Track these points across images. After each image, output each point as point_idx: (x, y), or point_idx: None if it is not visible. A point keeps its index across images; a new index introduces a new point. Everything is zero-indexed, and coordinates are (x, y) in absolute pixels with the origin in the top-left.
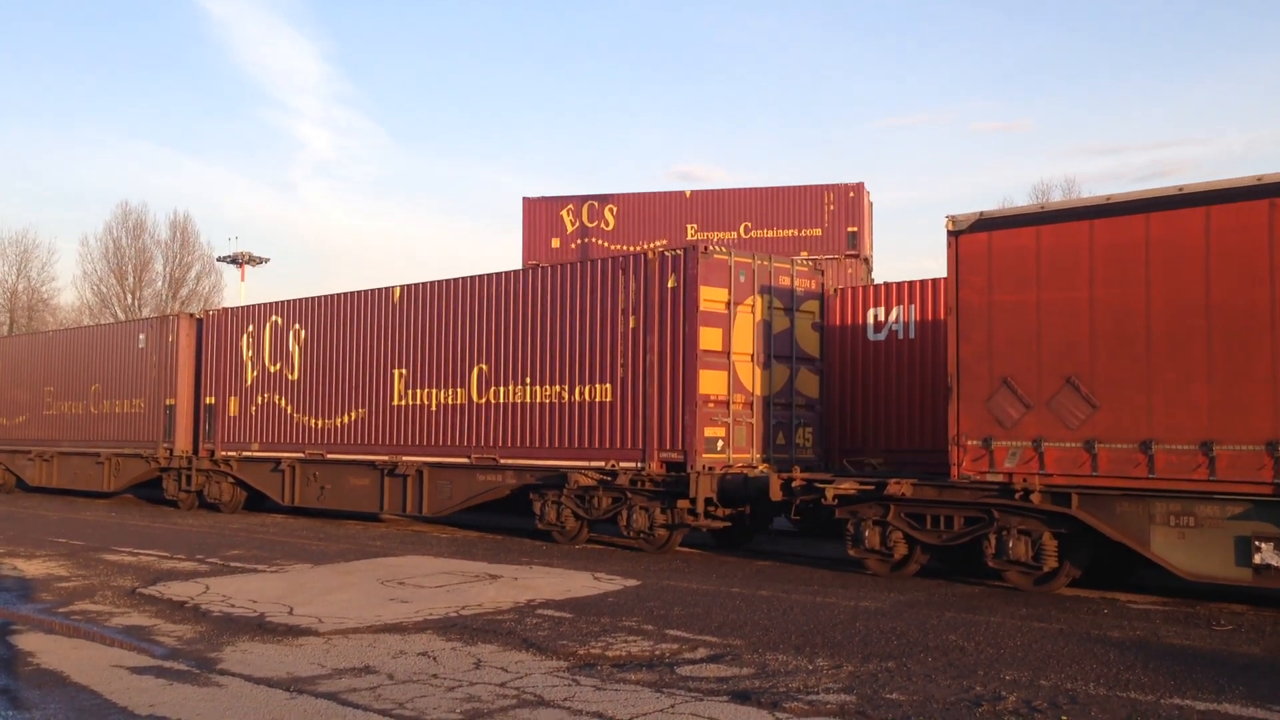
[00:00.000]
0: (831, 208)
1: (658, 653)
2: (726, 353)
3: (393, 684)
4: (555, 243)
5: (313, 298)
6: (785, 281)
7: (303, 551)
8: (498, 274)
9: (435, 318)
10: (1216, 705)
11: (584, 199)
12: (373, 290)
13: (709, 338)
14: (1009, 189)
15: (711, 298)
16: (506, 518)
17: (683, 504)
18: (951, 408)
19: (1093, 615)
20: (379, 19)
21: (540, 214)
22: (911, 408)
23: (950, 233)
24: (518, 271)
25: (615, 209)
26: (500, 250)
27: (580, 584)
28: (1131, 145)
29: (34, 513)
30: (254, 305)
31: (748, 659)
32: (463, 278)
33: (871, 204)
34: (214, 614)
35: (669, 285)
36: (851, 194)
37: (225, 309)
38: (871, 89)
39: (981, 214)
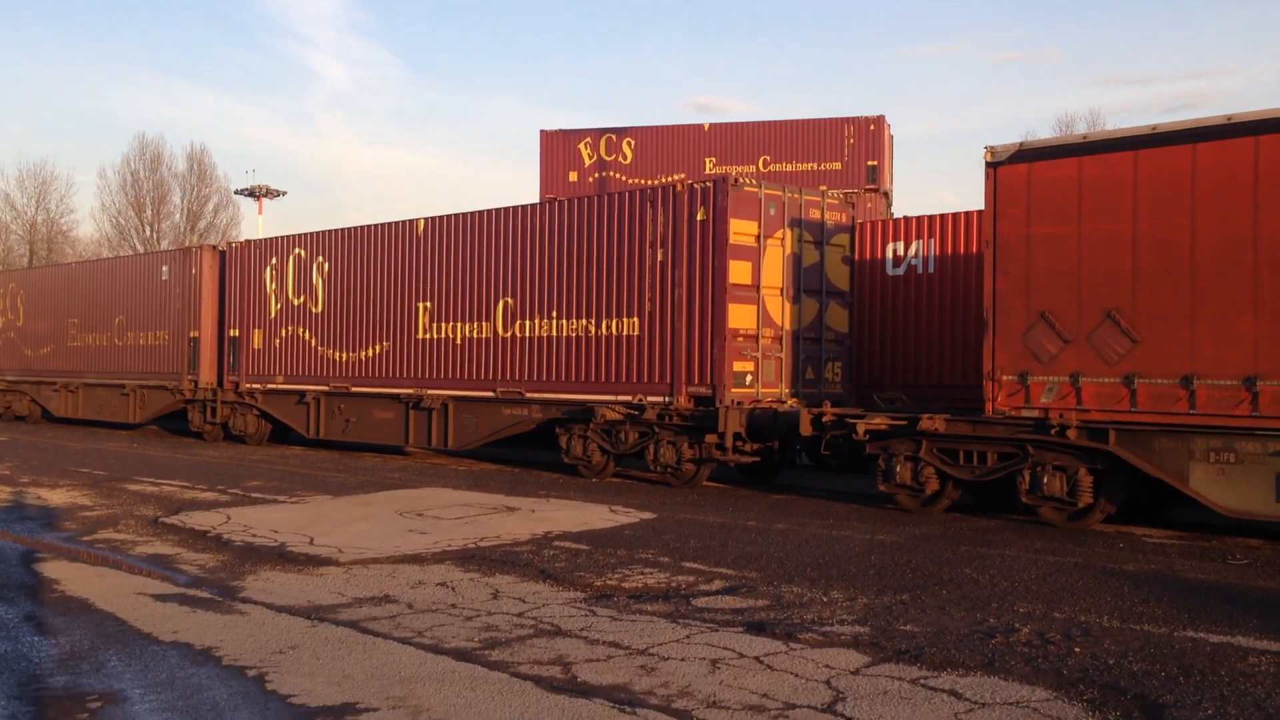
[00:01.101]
0: (851, 141)
1: (674, 584)
2: (756, 286)
3: (412, 613)
4: (573, 176)
5: (336, 230)
6: (815, 214)
7: (323, 483)
8: (524, 206)
9: (460, 251)
10: (1230, 638)
11: (601, 132)
12: (397, 223)
13: (738, 271)
14: (1032, 121)
15: (741, 231)
16: (532, 451)
17: (710, 439)
18: (987, 342)
19: (1108, 549)
20: None
21: (558, 147)
22: (930, 342)
23: (988, 164)
24: (545, 204)
25: (633, 142)
26: (518, 184)
27: (597, 517)
28: (1159, 76)
29: (58, 443)
30: (277, 238)
31: (763, 591)
32: (489, 210)
33: (892, 137)
34: (235, 543)
35: (698, 218)
36: (872, 127)
37: (248, 241)
38: (893, 18)
39: (1021, 144)
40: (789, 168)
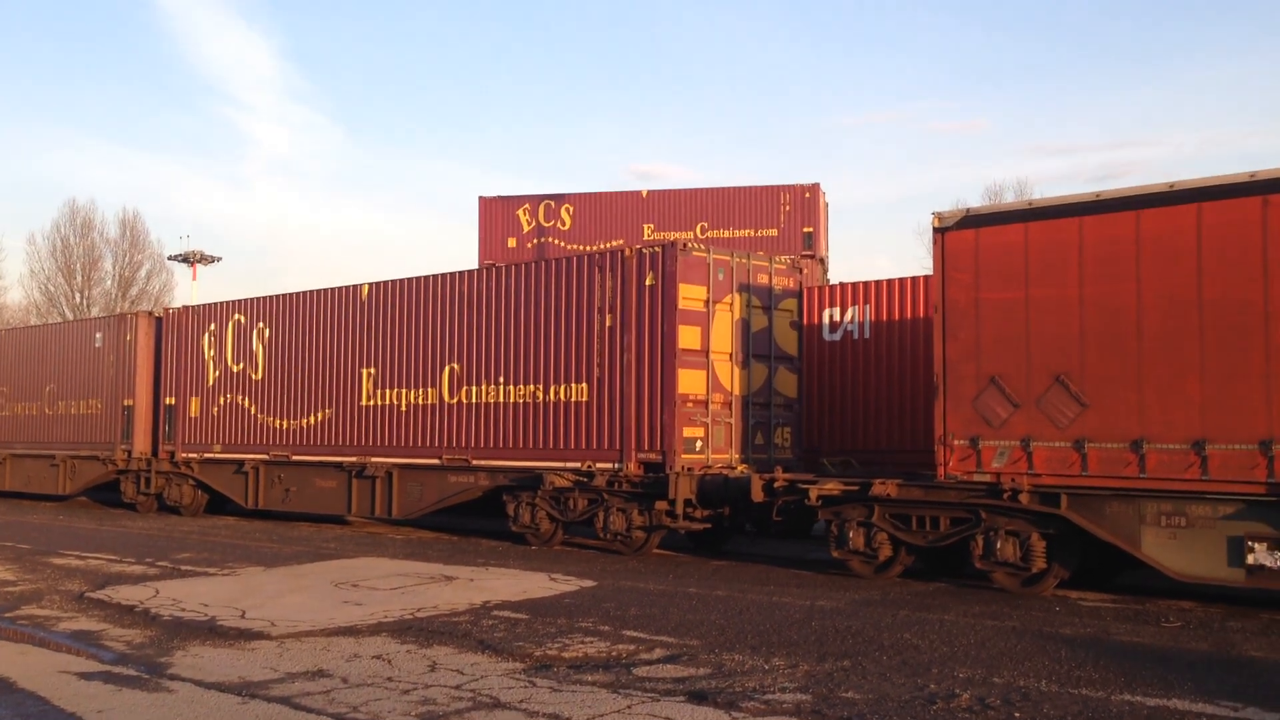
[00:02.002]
0: (787, 208)
1: (614, 653)
2: (705, 351)
3: (347, 688)
4: (511, 242)
5: (278, 295)
6: (764, 279)
7: (256, 554)
8: (471, 271)
9: (405, 316)
10: (1165, 701)
11: (540, 198)
12: (340, 288)
13: (688, 336)
14: (962, 189)
15: (690, 295)
16: (476, 520)
17: (661, 505)
18: (938, 407)
19: (1045, 612)
20: (333, 14)
21: (496, 213)
22: (867, 408)
23: (936, 229)
24: (491, 269)
25: (571, 209)
26: (457, 249)
27: (537, 585)
28: (1085, 146)
29: None
30: (217, 303)
31: (704, 659)
32: (435, 275)
33: (827, 204)
34: (164, 618)
35: (647, 283)
36: (807, 194)
37: (186, 307)
38: (829, 88)
39: (969, 210)
40: (726, 234)
